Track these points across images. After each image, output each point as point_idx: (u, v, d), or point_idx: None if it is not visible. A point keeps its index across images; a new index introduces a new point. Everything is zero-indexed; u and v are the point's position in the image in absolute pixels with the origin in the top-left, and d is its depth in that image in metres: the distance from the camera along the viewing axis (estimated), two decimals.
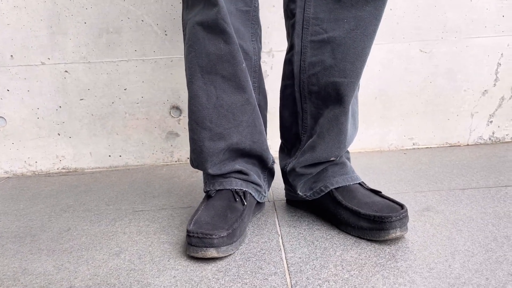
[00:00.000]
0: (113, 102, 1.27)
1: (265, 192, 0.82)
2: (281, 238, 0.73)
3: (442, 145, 1.32)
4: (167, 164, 1.31)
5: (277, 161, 1.23)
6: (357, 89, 0.77)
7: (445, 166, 1.11)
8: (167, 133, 1.30)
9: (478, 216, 0.77)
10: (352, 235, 0.72)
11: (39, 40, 1.22)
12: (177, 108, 1.28)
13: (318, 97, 0.75)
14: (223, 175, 0.76)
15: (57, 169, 1.30)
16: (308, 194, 0.79)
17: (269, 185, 0.86)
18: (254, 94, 0.73)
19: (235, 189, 0.75)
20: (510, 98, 1.29)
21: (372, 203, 0.71)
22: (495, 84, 1.28)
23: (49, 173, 1.29)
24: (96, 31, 1.22)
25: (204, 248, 0.64)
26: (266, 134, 0.81)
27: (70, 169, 1.30)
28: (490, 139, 1.32)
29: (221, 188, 0.75)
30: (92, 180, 1.19)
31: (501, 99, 1.29)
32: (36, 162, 1.29)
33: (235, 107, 0.71)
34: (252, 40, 0.76)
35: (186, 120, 1.29)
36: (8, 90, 1.24)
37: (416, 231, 0.73)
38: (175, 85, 1.26)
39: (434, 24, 1.24)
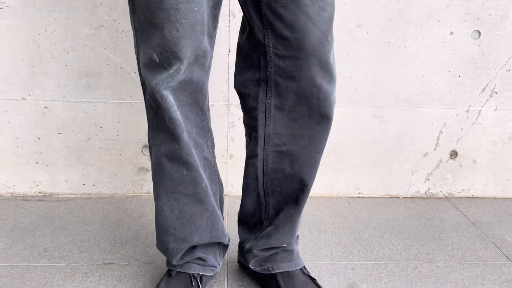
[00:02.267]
0: (89, 138, 1.36)
1: (219, 264, 0.97)
2: None
3: (384, 196, 1.50)
4: (137, 195, 1.43)
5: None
6: None
7: (379, 228, 1.28)
8: (138, 168, 1.41)
9: None
10: None
11: (21, 77, 1.28)
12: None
13: (280, 195, 0.89)
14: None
15: (34, 192, 1.41)
16: (258, 269, 0.95)
17: (224, 254, 1.01)
18: (212, 201, 0.86)
19: (193, 274, 0.90)
20: (447, 161, 1.46)
21: None
22: (435, 149, 1.44)
23: (26, 196, 1.39)
24: (76, 73, 1.29)
25: None
26: (223, 218, 0.95)
27: (46, 193, 1.41)
28: (425, 193, 1.50)
29: (181, 271, 0.90)
30: (66, 211, 1.31)
31: (439, 161, 1.46)
32: (14, 185, 1.39)
33: (195, 216, 0.84)
34: (207, 147, 0.88)
35: None
36: None
37: None
38: None
39: (388, 93, 1.38)
